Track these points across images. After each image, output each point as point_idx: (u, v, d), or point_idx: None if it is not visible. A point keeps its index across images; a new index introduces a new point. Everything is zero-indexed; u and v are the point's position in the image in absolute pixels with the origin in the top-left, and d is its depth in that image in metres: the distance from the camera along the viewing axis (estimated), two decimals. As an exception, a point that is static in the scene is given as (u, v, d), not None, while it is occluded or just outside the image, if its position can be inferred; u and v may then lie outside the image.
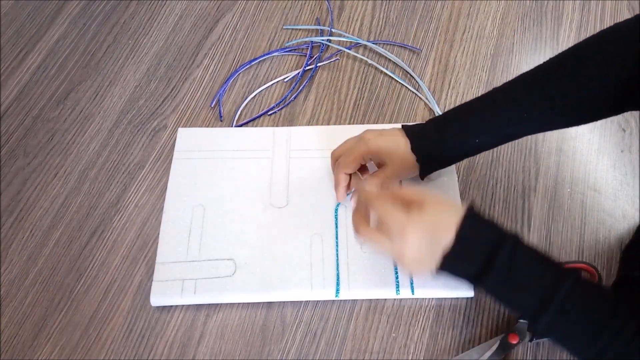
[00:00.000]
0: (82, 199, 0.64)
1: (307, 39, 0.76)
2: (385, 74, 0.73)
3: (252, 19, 0.78)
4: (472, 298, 0.57)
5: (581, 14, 0.78)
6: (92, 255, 0.60)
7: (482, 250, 0.44)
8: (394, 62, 0.74)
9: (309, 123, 0.69)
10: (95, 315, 0.57)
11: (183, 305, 0.57)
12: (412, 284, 0.56)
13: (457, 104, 0.69)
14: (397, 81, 0.72)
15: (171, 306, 0.57)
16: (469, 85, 0.72)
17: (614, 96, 0.50)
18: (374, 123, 0.69)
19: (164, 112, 0.70)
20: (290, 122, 0.69)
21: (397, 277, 0.57)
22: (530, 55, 0.74)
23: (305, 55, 0.74)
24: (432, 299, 0.57)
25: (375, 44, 0.75)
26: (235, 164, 0.64)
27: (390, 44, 0.75)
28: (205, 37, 0.77)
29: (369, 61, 0.73)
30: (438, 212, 0.46)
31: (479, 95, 0.56)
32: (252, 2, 0.80)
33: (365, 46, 0.75)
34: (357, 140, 0.57)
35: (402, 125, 0.57)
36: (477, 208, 0.46)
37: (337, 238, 0.59)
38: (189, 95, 0.72)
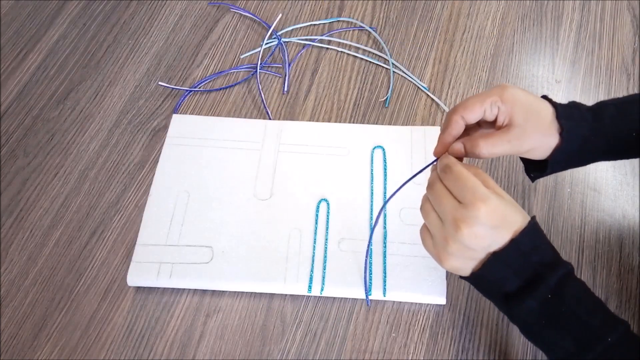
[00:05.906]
0: (82, 199, 0.64)
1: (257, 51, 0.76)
2: (386, 74, 0.73)
3: (252, 19, 0.78)
4: (472, 298, 0.57)
5: (581, 14, 0.78)
6: (92, 255, 0.60)
7: (530, 265, 0.39)
8: (394, 62, 0.74)
9: (309, 123, 0.69)
10: (95, 315, 0.57)
11: (183, 305, 0.57)
12: (384, 286, 0.56)
13: (457, 104, 0.70)
14: (397, 81, 0.72)
15: (172, 306, 0.57)
16: (469, 85, 0.72)
17: None
18: (374, 123, 0.69)
19: (164, 112, 0.70)
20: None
21: (370, 278, 0.56)
22: (530, 55, 0.74)
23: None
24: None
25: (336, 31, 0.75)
26: (224, 154, 0.65)
27: (349, 30, 0.75)
28: (205, 37, 0.77)
29: (369, 59, 0.74)
30: (511, 205, 0.40)
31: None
32: (252, 2, 0.80)
33: (365, 46, 0.75)
34: (491, 88, 0.46)
35: (542, 95, 0.46)
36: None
37: (315, 234, 0.59)
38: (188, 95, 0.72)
